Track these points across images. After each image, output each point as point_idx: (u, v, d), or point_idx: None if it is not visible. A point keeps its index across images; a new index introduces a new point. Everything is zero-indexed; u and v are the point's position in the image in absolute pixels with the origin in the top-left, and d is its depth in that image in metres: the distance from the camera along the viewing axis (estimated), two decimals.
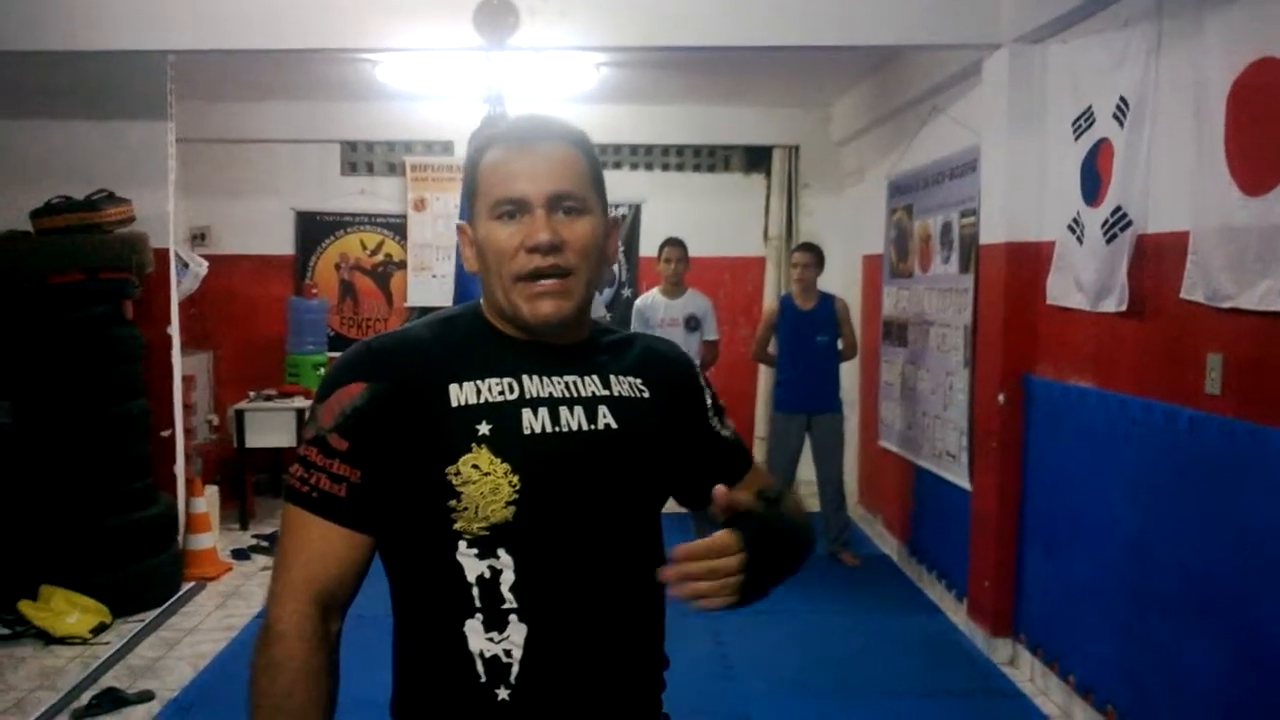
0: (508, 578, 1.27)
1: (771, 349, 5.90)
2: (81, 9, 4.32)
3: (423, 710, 1.33)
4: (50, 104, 5.19)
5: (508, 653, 1.27)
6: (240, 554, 5.86)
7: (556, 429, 1.29)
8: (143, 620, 4.69)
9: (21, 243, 4.87)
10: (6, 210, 4.96)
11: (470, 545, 1.27)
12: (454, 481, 1.24)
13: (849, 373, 6.23)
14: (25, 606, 4.51)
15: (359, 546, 1.28)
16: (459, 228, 1.42)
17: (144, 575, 4.88)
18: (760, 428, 7.12)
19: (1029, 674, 4.20)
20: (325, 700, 1.24)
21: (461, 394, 1.28)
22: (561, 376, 1.33)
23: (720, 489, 1.25)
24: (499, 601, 1.27)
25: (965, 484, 4.75)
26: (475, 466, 1.25)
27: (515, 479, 1.25)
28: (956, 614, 4.85)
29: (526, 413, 1.29)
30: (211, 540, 5.59)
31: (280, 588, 1.26)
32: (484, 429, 1.26)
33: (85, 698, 3.88)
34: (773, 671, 4.24)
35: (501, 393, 1.29)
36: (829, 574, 5.58)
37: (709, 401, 1.51)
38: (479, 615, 1.28)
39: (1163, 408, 3.26)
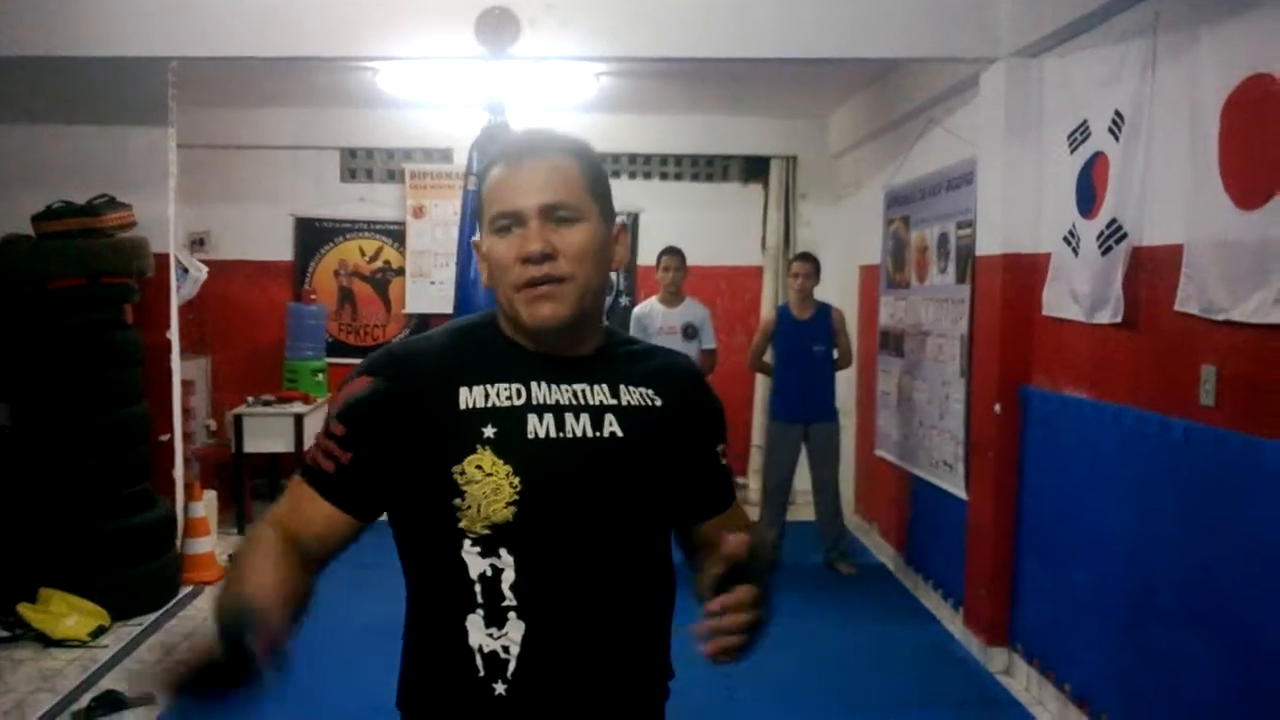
0: (508, 576, 1.31)
1: (767, 358, 5.93)
2: (84, 15, 4.35)
3: (424, 701, 1.39)
4: (52, 109, 5.21)
5: (505, 649, 1.32)
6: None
7: (561, 434, 1.34)
8: (141, 624, 4.70)
9: (22, 247, 4.87)
10: (8, 214, 4.97)
11: (474, 543, 1.32)
12: (458, 480, 1.30)
13: (845, 382, 6.25)
14: (24, 609, 4.52)
15: (337, 523, 1.35)
16: (473, 244, 1.48)
17: (143, 579, 4.89)
18: (758, 436, 7.15)
19: (1025, 683, 4.22)
20: (289, 574, 1.27)
21: (470, 397, 1.34)
22: (571, 385, 1.38)
23: (736, 538, 1.26)
24: (499, 599, 1.32)
25: (961, 493, 4.77)
26: (479, 467, 1.30)
27: (516, 481, 1.30)
28: (952, 623, 4.87)
29: (532, 418, 1.34)
30: (210, 544, 5.60)
31: (267, 518, 1.37)
32: (489, 431, 1.31)
33: (85, 700, 3.89)
34: (769, 681, 4.24)
35: (509, 398, 1.34)
36: (825, 583, 5.60)
37: (719, 428, 1.54)
38: (480, 611, 1.32)
39: (1157, 419, 3.29)
